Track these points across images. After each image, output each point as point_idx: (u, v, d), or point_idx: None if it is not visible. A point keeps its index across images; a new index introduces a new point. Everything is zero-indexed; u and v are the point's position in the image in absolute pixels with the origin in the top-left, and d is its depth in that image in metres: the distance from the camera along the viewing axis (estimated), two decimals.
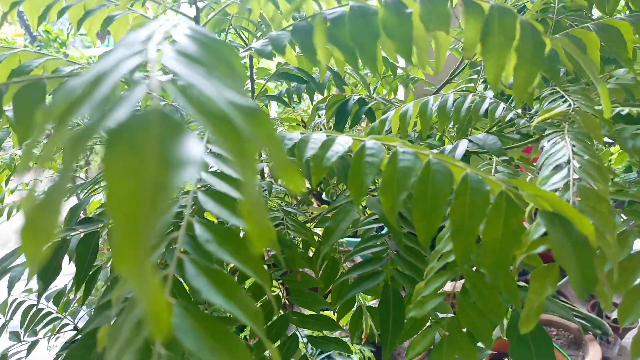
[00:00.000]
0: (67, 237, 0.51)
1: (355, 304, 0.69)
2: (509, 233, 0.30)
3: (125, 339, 0.21)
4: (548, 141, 0.43)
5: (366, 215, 0.63)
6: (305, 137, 0.41)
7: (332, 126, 0.67)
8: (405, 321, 0.48)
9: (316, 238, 0.67)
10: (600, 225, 0.32)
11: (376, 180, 0.59)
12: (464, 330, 0.36)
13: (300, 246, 0.65)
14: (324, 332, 0.69)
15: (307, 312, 0.60)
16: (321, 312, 0.62)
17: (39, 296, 0.49)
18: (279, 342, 0.57)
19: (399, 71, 0.91)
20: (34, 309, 0.64)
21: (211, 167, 0.31)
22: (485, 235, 0.31)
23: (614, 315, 2.21)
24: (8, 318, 0.66)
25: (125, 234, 0.11)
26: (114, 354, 0.21)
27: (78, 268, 0.50)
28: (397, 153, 0.36)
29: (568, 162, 0.37)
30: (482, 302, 0.36)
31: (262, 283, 0.25)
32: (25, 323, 0.61)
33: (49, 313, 0.63)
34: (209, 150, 0.34)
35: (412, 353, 0.38)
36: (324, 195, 1.22)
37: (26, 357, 0.59)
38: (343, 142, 0.39)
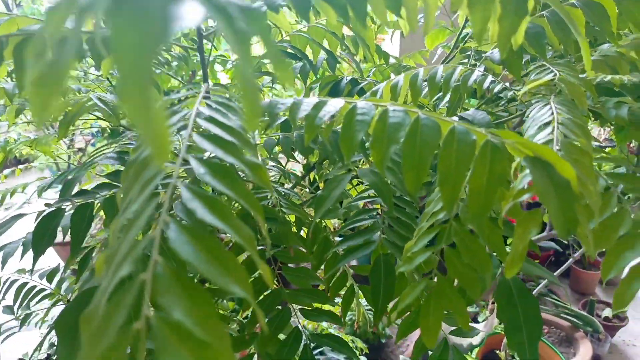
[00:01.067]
0: (62, 207, 0.51)
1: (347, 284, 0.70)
2: (493, 178, 0.31)
3: (123, 254, 0.22)
4: (534, 110, 0.44)
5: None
6: (298, 101, 0.42)
7: None
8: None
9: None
10: (583, 175, 0.33)
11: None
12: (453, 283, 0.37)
13: (294, 224, 0.66)
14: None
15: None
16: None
17: (34, 262, 0.49)
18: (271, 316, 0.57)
19: (391, 60, 0.92)
20: (28, 285, 0.64)
21: (205, 115, 0.32)
22: (472, 182, 0.32)
23: (605, 313, 2.23)
24: (0, 297, 0.66)
25: (130, 74, 0.12)
26: (112, 269, 0.22)
27: (73, 236, 0.50)
28: (387, 111, 0.37)
29: (552, 121, 0.38)
30: (470, 256, 0.37)
31: (256, 214, 0.26)
32: (19, 299, 0.61)
33: (43, 290, 0.63)
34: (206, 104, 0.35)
35: (401, 305, 0.39)
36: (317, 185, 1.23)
37: (19, 329, 0.59)
38: (335, 104, 0.40)
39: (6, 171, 1.08)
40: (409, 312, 0.52)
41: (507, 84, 0.52)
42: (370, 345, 1.88)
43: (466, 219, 0.38)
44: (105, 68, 0.52)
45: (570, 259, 1.75)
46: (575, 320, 2.08)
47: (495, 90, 0.52)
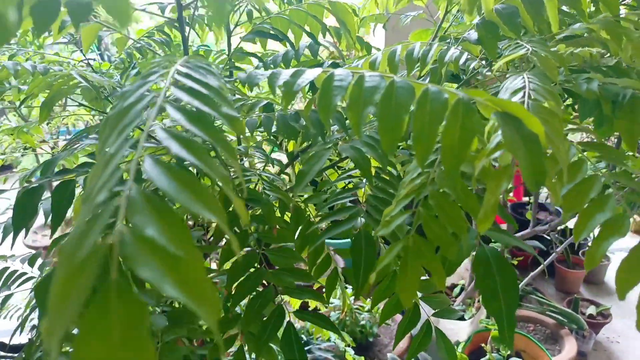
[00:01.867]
0: (42, 184, 0.51)
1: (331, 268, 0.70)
2: (465, 133, 0.32)
3: (100, 186, 0.22)
4: (508, 81, 0.46)
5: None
6: (277, 71, 0.42)
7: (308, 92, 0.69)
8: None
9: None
10: (551, 134, 0.34)
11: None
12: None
13: (277, 207, 0.66)
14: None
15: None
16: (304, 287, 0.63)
17: (14, 238, 0.49)
18: (253, 294, 0.58)
19: (374, 51, 0.94)
20: (8, 271, 0.63)
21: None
22: (444, 139, 0.33)
23: (589, 311, 2.26)
24: None
25: None
26: (89, 201, 0.22)
27: (54, 213, 0.50)
28: (363, 76, 0.38)
29: (524, 87, 0.39)
30: (445, 216, 0.38)
31: (229, 156, 0.26)
32: (1, 282, 0.61)
33: (24, 274, 0.62)
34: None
35: (379, 266, 0.39)
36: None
37: (1, 308, 0.59)
38: (313, 72, 0.41)
39: None
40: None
41: (483, 62, 0.54)
42: (358, 344, 1.88)
43: (442, 183, 0.39)
44: (86, 43, 0.52)
45: (553, 254, 1.77)
46: (560, 317, 2.11)
47: (472, 66, 0.53)
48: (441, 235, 0.37)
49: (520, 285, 2.03)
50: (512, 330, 0.46)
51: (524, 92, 0.38)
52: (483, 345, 1.46)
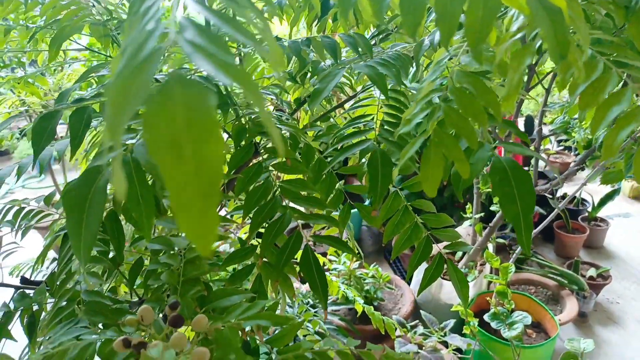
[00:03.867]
0: (59, 109, 0.52)
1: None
2: (488, 11, 0.32)
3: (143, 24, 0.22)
4: None
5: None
6: None
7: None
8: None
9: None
10: (573, 14, 0.35)
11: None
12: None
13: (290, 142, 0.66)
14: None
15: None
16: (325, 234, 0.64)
17: (34, 160, 0.50)
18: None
19: None
20: (25, 209, 0.64)
21: None
22: (468, 16, 0.33)
23: (590, 273, 2.29)
24: None
25: None
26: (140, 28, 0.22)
27: (72, 136, 0.50)
28: None
29: None
30: (465, 108, 0.38)
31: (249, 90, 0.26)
32: (18, 220, 0.61)
33: (41, 211, 0.63)
34: None
35: (403, 158, 0.40)
36: None
37: (21, 239, 0.59)
38: None
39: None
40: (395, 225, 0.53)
41: None
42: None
43: (461, 79, 0.39)
44: None
45: (553, 212, 1.78)
46: (561, 279, 2.14)
47: None
48: (461, 125, 0.38)
49: (518, 250, 2.06)
50: (530, 233, 0.47)
51: None
52: (488, 299, 1.48)
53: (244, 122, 0.63)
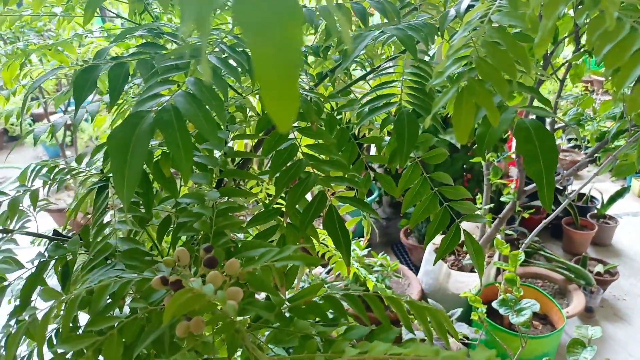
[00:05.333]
0: (98, 64, 0.54)
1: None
2: None
3: None
4: None
5: None
6: None
7: None
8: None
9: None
10: None
11: None
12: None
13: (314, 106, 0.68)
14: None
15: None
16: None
17: (75, 114, 0.52)
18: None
19: None
20: (57, 168, 0.66)
21: None
22: None
23: (597, 269, 2.29)
24: (30, 182, 0.68)
25: None
26: None
27: (111, 89, 0.53)
28: None
29: None
30: (496, 60, 0.40)
31: None
32: (51, 176, 0.63)
33: (73, 169, 0.65)
34: None
35: (436, 106, 0.42)
36: None
37: (57, 190, 0.61)
38: None
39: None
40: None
41: None
42: None
43: (493, 35, 0.41)
44: None
45: (560, 206, 1.78)
46: (568, 273, 2.14)
47: None
48: (493, 75, 0.39)
49: (526, 241, 2.07)
50: (551, 191, 0.48)
51: None
52: (497, 284, 1.50)
53: None
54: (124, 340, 0.41)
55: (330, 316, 0.48)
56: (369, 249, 2.07)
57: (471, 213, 0.76)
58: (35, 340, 0.50)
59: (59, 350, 0.40)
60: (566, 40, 1.50)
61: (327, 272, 1.93)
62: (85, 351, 0.40)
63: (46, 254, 0.58)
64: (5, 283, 0.57)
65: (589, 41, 0.44)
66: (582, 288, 2.13)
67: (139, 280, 0.45)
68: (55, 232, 0.62)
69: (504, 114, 0.50)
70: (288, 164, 0.61)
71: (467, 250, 0.74)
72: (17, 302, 0.59)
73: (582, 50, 1.44)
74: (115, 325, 0.41)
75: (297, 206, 0.62)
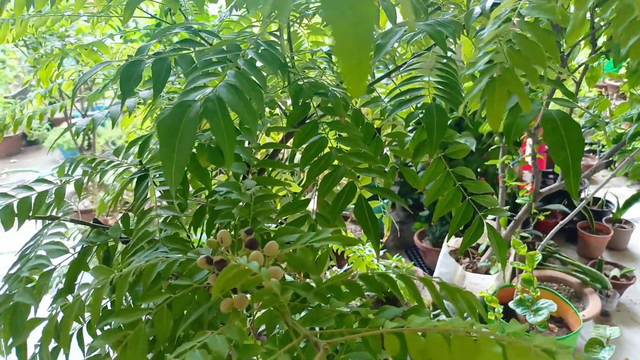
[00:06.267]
0: (142, 57, 0.57)
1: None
2: None
3: None
4: None
5: None
6: None
7: None
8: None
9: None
10: None
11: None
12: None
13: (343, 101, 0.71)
14: None
15: None
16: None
17: (122, 102, 0.55)
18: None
19: None
20: (96, 161, 0.69)
21: None
22: None
23: (613, 273, 2.28)
24: (71, 172, 0.71)
25: None
26: None
27: (155, 82, 0.55)
28: None
29: None
30: (528, 51, 0.42)
31: None
32: (92, 166, 0.67)
33: (112, 161, 0.68)
34: None
35: (470, 94, 0.44)
36: None
37: (99, 181, 0.65)
38: None
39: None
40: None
41: None
42: (386, 297, 1.94)
43: (523, 27, 0.43)
44: None
45: (575, 210, 1.78)
46: (584, 277, 2.14)
47: None
48: (525, 65, 0.41)
49: (542, 242, 2.06)
50: (578, 178, 0.50)
51: None
52: (514, 284, 1.50)
53: (301, 84, 0.68)
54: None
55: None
56: (385, 250, 2.09)
57: (493, 207, 0.78)
58: (78, 321, 0.53)
59: (113, 322, 0.43)
60: (582, 44, 1.51)
61: (345, 272, 1.94)
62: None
63: (89, 240, 0.61)
64: (50, 268, 0.60)
65: (615, 34, 0.46)
66: (598, 292, 2.12)
67: (184, 261, 0.48)
68: (96, 220, 0.65)
69: (532, 105, 0.53)
70: (318, 156, 0.64)
71: (490, 242, 0.76)
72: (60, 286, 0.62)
73: (598, 52, 1.45)
74: (165, 300, 0.43)
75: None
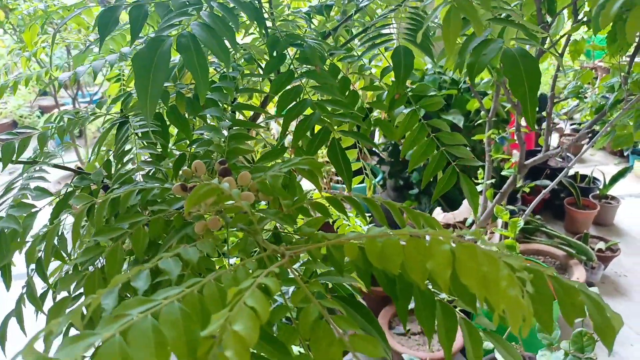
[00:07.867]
0: (120, 4, 0.59)
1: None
2: None
3: None
4: None
5: None
6: None
7: None
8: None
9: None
10: None
11: None
12: None
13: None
14: None
15: None
16: None
17: (100, 45, 0.57)
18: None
19: None
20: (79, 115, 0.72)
21: None
22: None
23: (599, 246, 2.33)
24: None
25: None
26: None
27: (132, 28, 0.57)
28: None
29: None
30: None
31: None
32: (75, 116, 0.69)
33: (94, 112, 0.70)
34: None
35: (426, 22, 0.46)
36: None
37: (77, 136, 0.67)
38: None
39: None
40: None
41: None
42: None
43: None
44: None
45: (556, 180, 1.81)
46: (569, 249, 2.18)
47: None
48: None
49: (525, 213, 2.10)
50: (534, 110, 0.53)
51: None
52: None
53: (277, 36, 0.70)
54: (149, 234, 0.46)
55: None
56: (373, 224, 2.12)
57: (467, 157, 0.80)
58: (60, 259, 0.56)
59: (94, 239, 0.45)
60: (565, 13, 1.53)
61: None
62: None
63: (73, 184, 0.64)
64: (35, 210, 0.62)
65: (592, 2, 0.49)
66: (583, 264, 2.17)
67: (161, 189, 0.51)
68: (79, 167, 0.67)
69: (493, 44, 0.55)
70: (294, 102, 0.66)
71: (463, 189, 0.78)
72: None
73: (579, 22, 1.47)
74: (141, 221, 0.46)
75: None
